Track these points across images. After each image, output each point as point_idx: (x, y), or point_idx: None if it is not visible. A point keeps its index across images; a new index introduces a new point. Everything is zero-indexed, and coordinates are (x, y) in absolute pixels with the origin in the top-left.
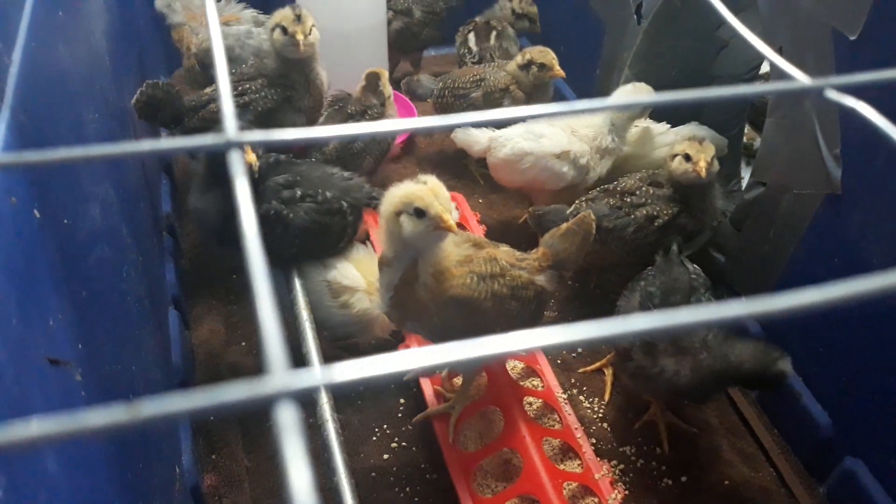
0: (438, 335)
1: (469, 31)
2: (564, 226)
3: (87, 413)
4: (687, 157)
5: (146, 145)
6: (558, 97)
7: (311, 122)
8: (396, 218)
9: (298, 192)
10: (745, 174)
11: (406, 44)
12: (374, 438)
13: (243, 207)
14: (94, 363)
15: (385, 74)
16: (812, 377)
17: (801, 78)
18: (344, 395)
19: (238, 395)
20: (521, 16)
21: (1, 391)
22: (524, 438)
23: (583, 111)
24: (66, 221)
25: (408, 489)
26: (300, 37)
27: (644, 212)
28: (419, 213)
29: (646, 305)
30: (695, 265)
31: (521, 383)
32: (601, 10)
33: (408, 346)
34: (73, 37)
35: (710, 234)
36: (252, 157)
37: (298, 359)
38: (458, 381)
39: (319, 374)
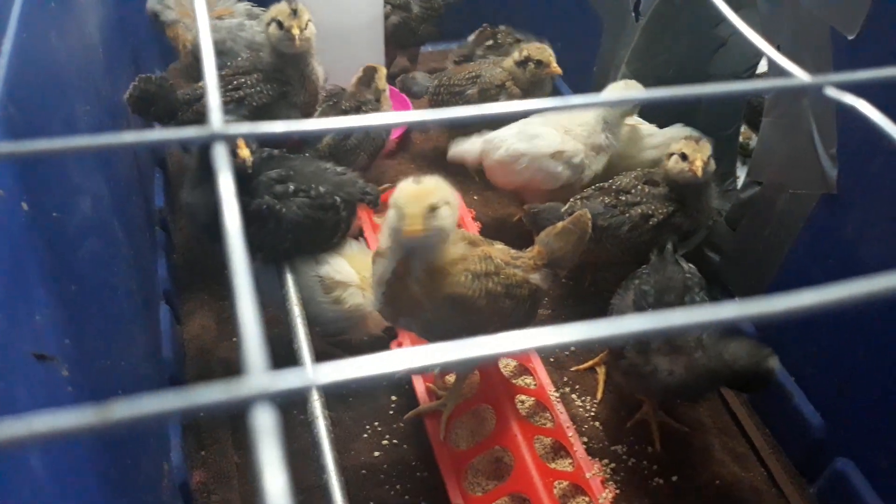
0: (432, 333)
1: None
2: (560, 224)
3: (55, 415)
4: (683, 157)
5: (129, 137)
6: (555, 95)
7: (306, 117)
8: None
9: (291, 187)
10: (741, 173)
11: (403, 39)
12: (365, 435)
13: (226, 201)
14: (82, 358)
15: (383, 70)
16: (804, 377)
17: (801, 75)
18: (335, 393)
19: (213, 397)
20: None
21: None
22: (516, 437)
23: (577, 106)
24: (55, 215)
25: (398, 487)
26: (296, 31)
27: (639, 210)
28: (399, 213)
29: (640, 304)
30: (690, 264)
31: (514, 381)
32: (599, 7)
33: (401, 344)
34: (65, 28)
35: (706, 234)
36: (246, 153)
37: (290, 355)
38: (451, 378)
39: (299, 376)
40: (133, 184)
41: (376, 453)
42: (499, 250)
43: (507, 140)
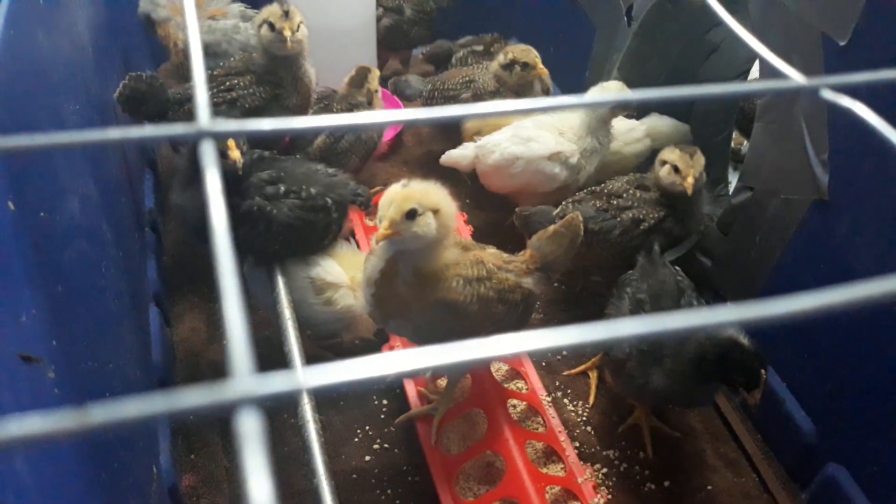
0: (422, 337)
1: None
2: (552, 228)
3: (33, 418)
4: (675, 169)
5: (115, 133)
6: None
7: None
8: None
9: (282, 188)
10: (733, 179)
11: (396, 42)
12: (356, 440)
13: (213, 200)
14: (68, 360)
15: (376, 71)
16: (796, 383)
17: (797, 77)
18: (325, 396)
19: (197, 400)
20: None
21: None
22: (507, 441)
23: (567, 107)
24: (42, 214)
25: (389, 491)
26: (287, 33)
27: (630, 215)
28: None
29: (637, 314)
30: (676, 266)
31: (506, 386)
32: (592, 12)
33: (392, 347)
34: (53, 26)
35: (697, 239)
36: (236, 154)
37: (281, 358)
38: (443, 382)
39: (287, 379)
40: (122, 184)
41: (367, 457)
42: (491, 254)
43: (500, 144)
